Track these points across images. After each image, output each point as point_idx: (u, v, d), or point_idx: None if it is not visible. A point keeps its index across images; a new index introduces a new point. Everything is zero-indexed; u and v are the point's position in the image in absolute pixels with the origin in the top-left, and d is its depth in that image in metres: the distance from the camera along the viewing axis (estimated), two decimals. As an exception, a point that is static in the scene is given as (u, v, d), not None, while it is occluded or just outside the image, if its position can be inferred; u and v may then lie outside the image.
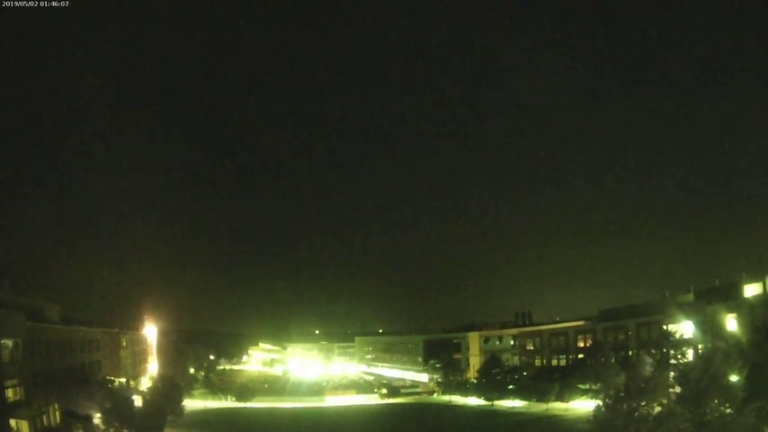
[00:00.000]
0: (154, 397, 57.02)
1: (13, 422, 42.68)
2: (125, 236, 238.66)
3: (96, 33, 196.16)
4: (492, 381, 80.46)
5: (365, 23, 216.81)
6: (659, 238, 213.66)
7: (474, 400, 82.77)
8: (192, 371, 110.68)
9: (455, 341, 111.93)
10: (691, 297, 71.16)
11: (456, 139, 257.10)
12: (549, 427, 59.57)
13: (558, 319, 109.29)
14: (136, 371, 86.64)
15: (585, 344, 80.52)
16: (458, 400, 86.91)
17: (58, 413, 51.80)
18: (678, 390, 42.93)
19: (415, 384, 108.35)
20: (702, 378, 40.10)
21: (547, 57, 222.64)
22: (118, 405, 50.80)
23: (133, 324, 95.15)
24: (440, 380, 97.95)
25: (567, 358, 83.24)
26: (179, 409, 59.11)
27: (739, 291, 60.88)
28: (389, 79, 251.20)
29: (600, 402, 43.84)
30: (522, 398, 76.02)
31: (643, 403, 42.22)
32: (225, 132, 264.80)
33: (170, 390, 59.67)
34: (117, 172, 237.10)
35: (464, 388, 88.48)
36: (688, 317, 61.26)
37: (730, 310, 56.81)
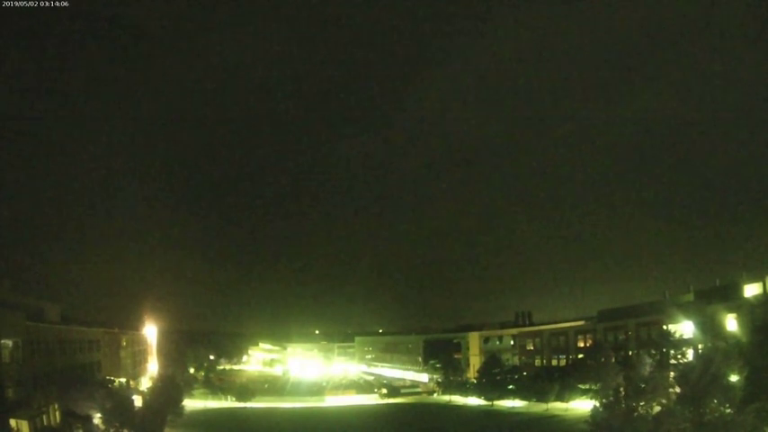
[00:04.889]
0: (154, 397, 57.06)
1: (13, 422, 42.69)
2: (125, 236, 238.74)
3: (96, 33, 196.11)
4: (492, 381, 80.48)
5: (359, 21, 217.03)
6: (659, 237, 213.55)
7: (474, 400, 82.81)
8: (192, 371, 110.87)
9: (455, 341, 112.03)
10: (691, 297, 71.19)
11: (456, 138, 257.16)
12: (549, 427, 59.63)
13: (557, 319, 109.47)
14: (136, 371, 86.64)
15: (585, 344, 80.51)
16: (458, 400, 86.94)
17: (58, 413, 51.83)
18: (678, 390, 42.95)
19: (415, 384, 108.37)
20: (702, 378, 40.09)
21: (546, 55, 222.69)
22: (118, 405, 50.79)
23: (133, 324, 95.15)
24: (440, 380, 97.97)
25: (566, 358, 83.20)
26: (179, 409, 59.14)
27: (739, 291, 60.96)
28: (387, 76, 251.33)
29: (597, 403, 43.81)
30: (522, 398, 76.03)
31: (642, 403, 42.24)
32: (224, 132, 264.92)
33: (170, 390, 59.72)
34: (117, 172, 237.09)
35: (464, 388, 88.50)
36: (688, 317, 61.28)
37: (730, 310, 56.84)
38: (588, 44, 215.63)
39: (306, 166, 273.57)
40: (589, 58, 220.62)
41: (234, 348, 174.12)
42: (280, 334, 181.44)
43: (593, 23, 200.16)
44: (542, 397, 71.15)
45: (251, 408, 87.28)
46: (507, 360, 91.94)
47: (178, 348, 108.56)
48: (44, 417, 49.14)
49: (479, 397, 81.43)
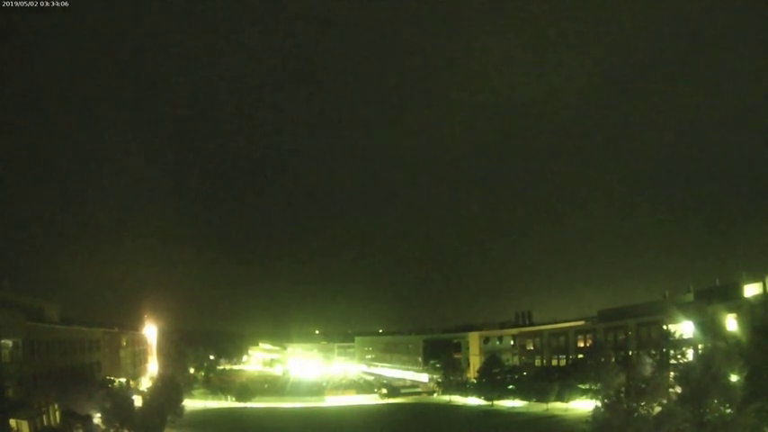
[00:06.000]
0: (154, 397, 57.01)
1: (13, 422, 42.68)
2: (125, 236, 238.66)
3: (96, 33, 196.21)
4: (492, 381, 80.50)
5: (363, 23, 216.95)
6: (659, 237, 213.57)
7: (474, 400, 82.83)
8: (192, 371, 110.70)
9: (455, 341, 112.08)
10: (691, 297, 71.28)
11: (456, 138, 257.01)
12: (549, 428, 59.61)
13: (557, 319, 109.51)
14: (136, 371, 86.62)
15: (585, 344, 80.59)
16: (458, 400, 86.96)
17: (58, 413, 51.83)
18: (678, 390, 42.96)
19: (415, 384, 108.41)
20: (702, 378, 40.09)
21: (548, 54, 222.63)
22: (118, 405, 50.72)
23: (133, 324, 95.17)
24: (440, 380, 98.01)
25: (567, 358, 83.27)
26: (179, 409, 59.07)
27: (739, 291, 61.05)
28: (386, 78, 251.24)
29: (599, 403, 43.82)
30: (522, 398, 76.06)
31: (643, 403, 42.22)
32: (224, 133, 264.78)
33: (170, 390, 59.66)
34: (117, 172, 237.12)
35: (464, 388, 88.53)
36: (688, 317, 61.35)
37: (730, 310, 56.92)
38: (589, 45, 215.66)
39: (307, 166, 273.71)
40: (591, 59, 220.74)
41: (234, 348, 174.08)
42: (280, 334, 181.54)
43: (599, 24, 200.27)
44: (542, 397, 71.17)
45: (251, 408, 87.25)
46: (507, 360, 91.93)
47: (178, 348, 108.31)
48: (44, 417, 49.11)
49: (479, 397, 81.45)
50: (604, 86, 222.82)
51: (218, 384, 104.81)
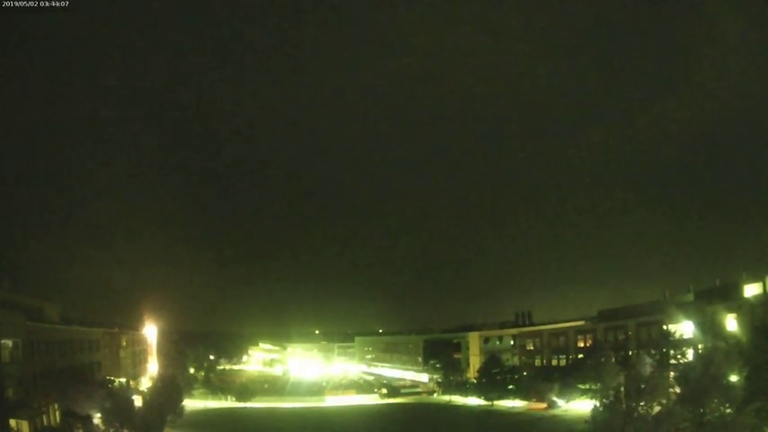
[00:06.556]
0: (154, 397, 57.01)
1: (13, 422, 42.73)
2: (126, 236, 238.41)
3: (96, 33, 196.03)
4: (492, 381, 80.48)
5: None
6: (659, 237, 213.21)
7: (474, 400, 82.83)
8: (192, 371, 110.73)
9: (455, 341, 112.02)
10: (691, 297, 71.24)
11: (455, 138, 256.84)
12: (549, 427, 59.61)
13: (557, 319, 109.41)
14: (136, 371, 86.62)
15: (585, 344, 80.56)
16: (458, 400, 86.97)
17: (58, 413, 51.88)
18: (678, 390, 43.01)
19: (415, 384, 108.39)
20: (702, 378, 40.17)
21: (548, 54, 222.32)
22: (118, 405, 50.74)
23: (133, 324, 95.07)
24: (440, 380, 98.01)
25: (566, 358, 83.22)
26: (179, 409, 59.07)
27: (739, 291, 61.02)
28: (385, 77, 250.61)
29: (597, 402, 43.86)
30: (522, 398, 76.05)
31: (642, 403, 42.26)
32: (225, 133, 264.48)
33: (170, 390, 59.65)
34: (117, 172, 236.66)
35: (464, 388, 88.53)
36: (688, 317, 61.38)
37: (730, 310, 56.94)
38: (588, 45, 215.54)
39: (305, 165, 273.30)
40: (590, 59, 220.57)
41: (234, 348, 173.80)
42: (280, 334, 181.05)
43: (599, 22, 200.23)
44: (542, 397, 71.13)
45: (251, 408, 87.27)
46: (507, 360, 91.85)
47: (178, 348, 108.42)
48: (44, 417, 49.19)
49: (479, 397, 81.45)
50: (605, 86, 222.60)
51: (218, 384, 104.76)
